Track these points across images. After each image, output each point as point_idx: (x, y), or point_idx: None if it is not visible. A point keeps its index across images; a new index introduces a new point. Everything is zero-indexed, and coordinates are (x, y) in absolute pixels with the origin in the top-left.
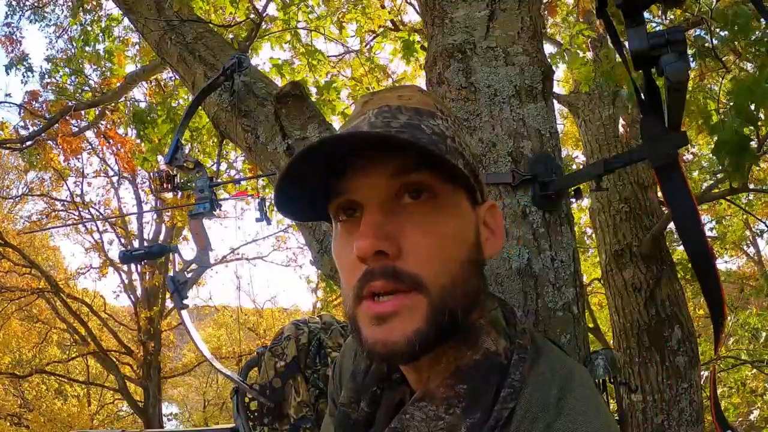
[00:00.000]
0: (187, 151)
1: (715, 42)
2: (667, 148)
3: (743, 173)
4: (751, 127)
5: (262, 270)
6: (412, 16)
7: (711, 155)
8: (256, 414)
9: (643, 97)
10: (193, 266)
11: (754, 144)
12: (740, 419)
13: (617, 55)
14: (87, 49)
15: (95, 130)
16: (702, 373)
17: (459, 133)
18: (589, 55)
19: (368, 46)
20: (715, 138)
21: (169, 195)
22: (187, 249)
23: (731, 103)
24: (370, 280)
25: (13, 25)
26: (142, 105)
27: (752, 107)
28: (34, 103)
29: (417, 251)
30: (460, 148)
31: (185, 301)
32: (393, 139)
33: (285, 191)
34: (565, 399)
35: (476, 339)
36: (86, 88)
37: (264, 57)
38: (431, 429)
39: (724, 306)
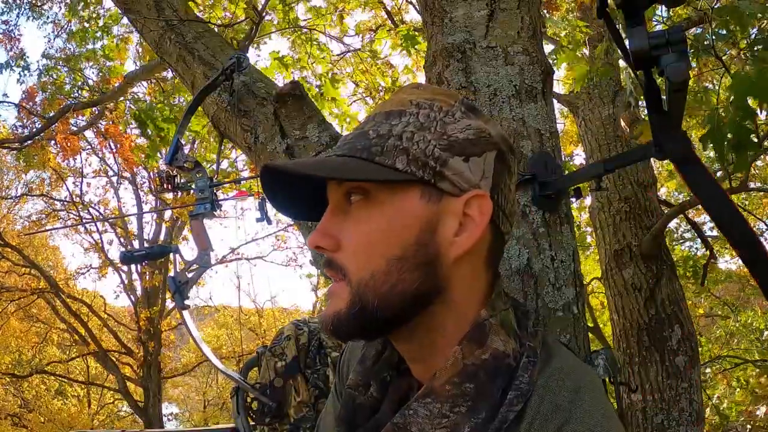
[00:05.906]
0: (186, 151)
1: (715, 40)
2: (682, 142)
3: (746, 164)
4: (749, 122)
5: (262, 270)
6: (413, 15)
7: (710, 153)
8: (257, 414)
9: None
10: (194, 267)
11: (754, 138)
12: (743, 418)
13: (619, 53)
14: (87, 47)
15: (94, 130)
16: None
17: (429, 126)
18: (585, 52)
19: (370, 40)
20: (707, 129)
21: (169, 195)
22: (187, 249)
23: (731, 98)
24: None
25: (10, 22)
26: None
27: (750, 102)
28: (31, 103)
29: (347, 247)
30: (406, 144)
31: (186, 302)
32: (297, 170)
33: (279, 201)
34: (575, 402)
35: (485, 338)
36: (83, 85)
37: (265, 55)
38: (434, 426)
39: None
